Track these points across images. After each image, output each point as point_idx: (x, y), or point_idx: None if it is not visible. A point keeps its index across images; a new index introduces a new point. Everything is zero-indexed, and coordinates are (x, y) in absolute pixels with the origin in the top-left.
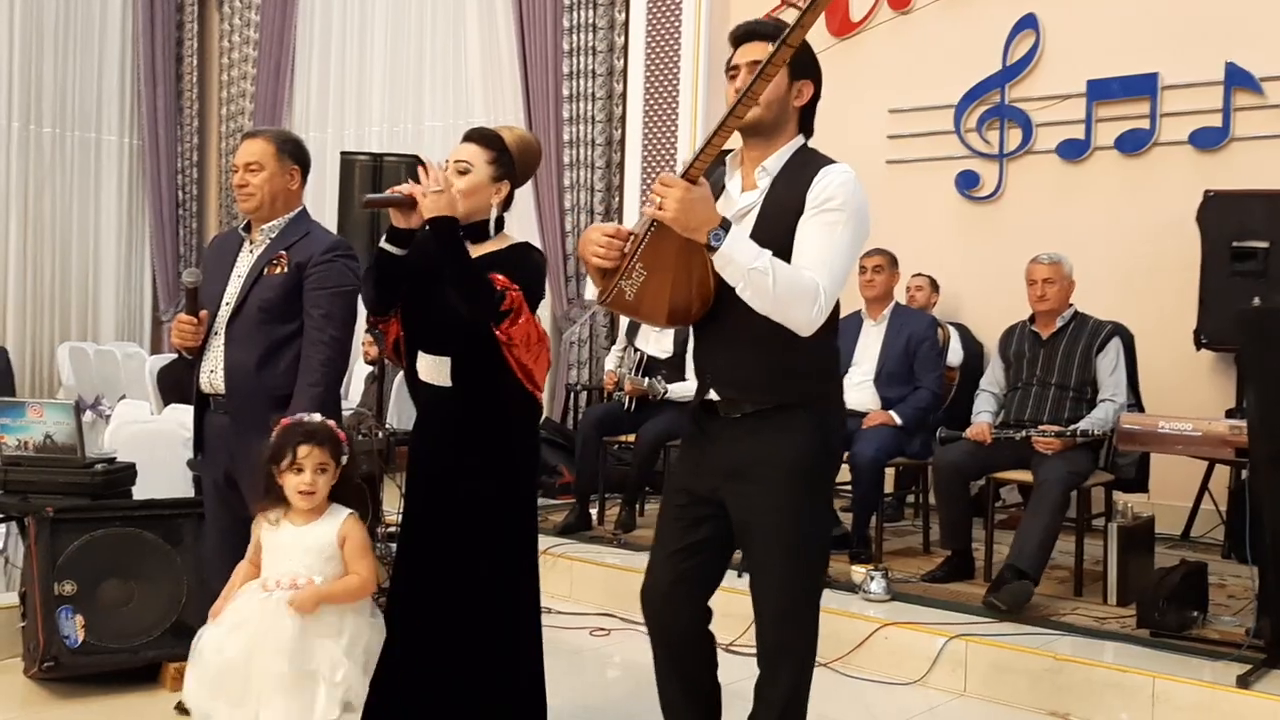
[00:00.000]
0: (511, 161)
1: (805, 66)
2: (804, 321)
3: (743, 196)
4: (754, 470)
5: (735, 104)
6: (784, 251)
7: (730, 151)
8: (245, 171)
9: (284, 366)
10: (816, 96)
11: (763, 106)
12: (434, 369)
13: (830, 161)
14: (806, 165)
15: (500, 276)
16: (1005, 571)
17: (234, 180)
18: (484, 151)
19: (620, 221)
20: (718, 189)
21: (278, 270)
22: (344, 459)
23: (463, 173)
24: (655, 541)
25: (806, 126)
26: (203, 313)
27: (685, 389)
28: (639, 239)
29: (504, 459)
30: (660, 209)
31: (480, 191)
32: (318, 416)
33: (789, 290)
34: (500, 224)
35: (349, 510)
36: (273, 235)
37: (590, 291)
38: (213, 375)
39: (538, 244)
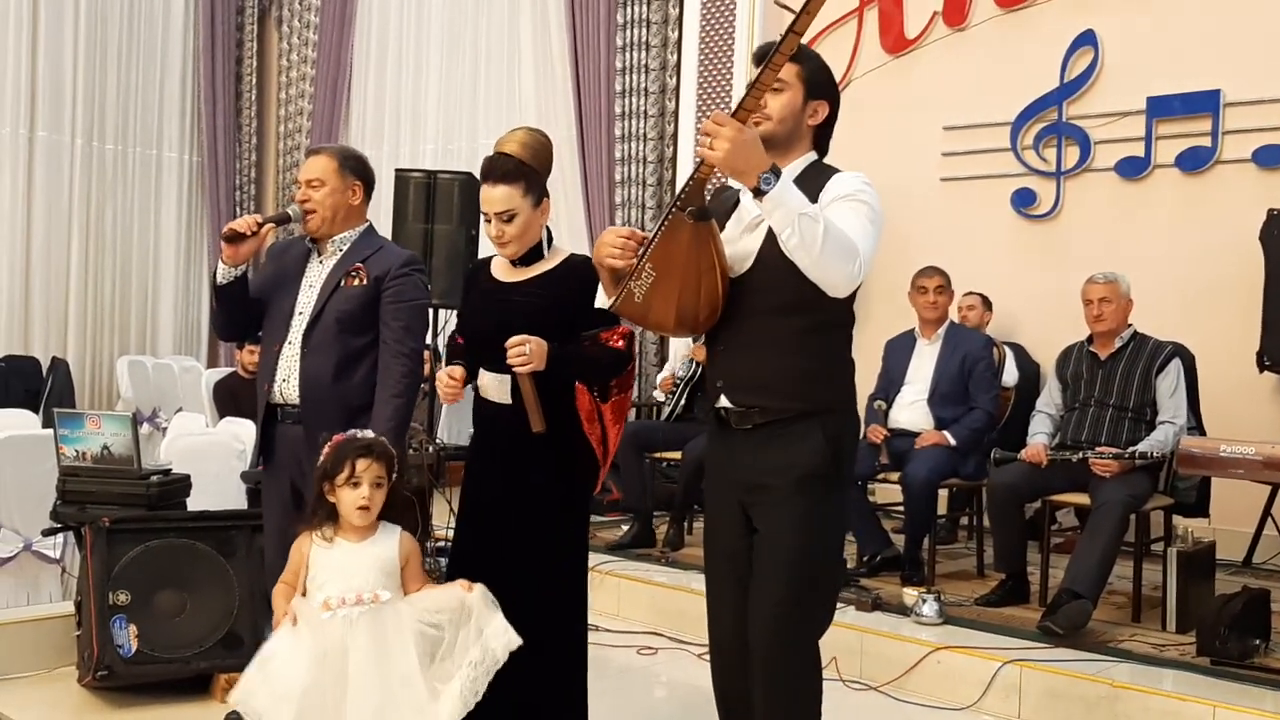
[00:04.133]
0: (539, 175)
1: (821, 87)
2: (843, 278)
3: (753, 209)
4: (769, 480)
5: (761, 72)
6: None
7: None
8: (308, 188)
9: (359, 378)
10: (833, 118)
11: (776, 120)
12: (497, 387)
13: (842, 171)
14: (819, 175)
15: (617, 337)
16: (1061, 595)
17: (297, 197)
18: (515, 188)
19: None
20: (732, 204)
21: (356, 282)
22: (394, 475)
23: (509, 220)
24: (708, 589)
25: (820, 145)
26: (269, 226)
27: None
28: (649, 240)
29: (559, 476)
30: (711, 149)
31: (532, 225)
32: (370, 432)
33: (836, 243)
34: (550, 236)
35: (399, 528)
36: (344, 248)
37: (600, 299)
38: (285, 385)
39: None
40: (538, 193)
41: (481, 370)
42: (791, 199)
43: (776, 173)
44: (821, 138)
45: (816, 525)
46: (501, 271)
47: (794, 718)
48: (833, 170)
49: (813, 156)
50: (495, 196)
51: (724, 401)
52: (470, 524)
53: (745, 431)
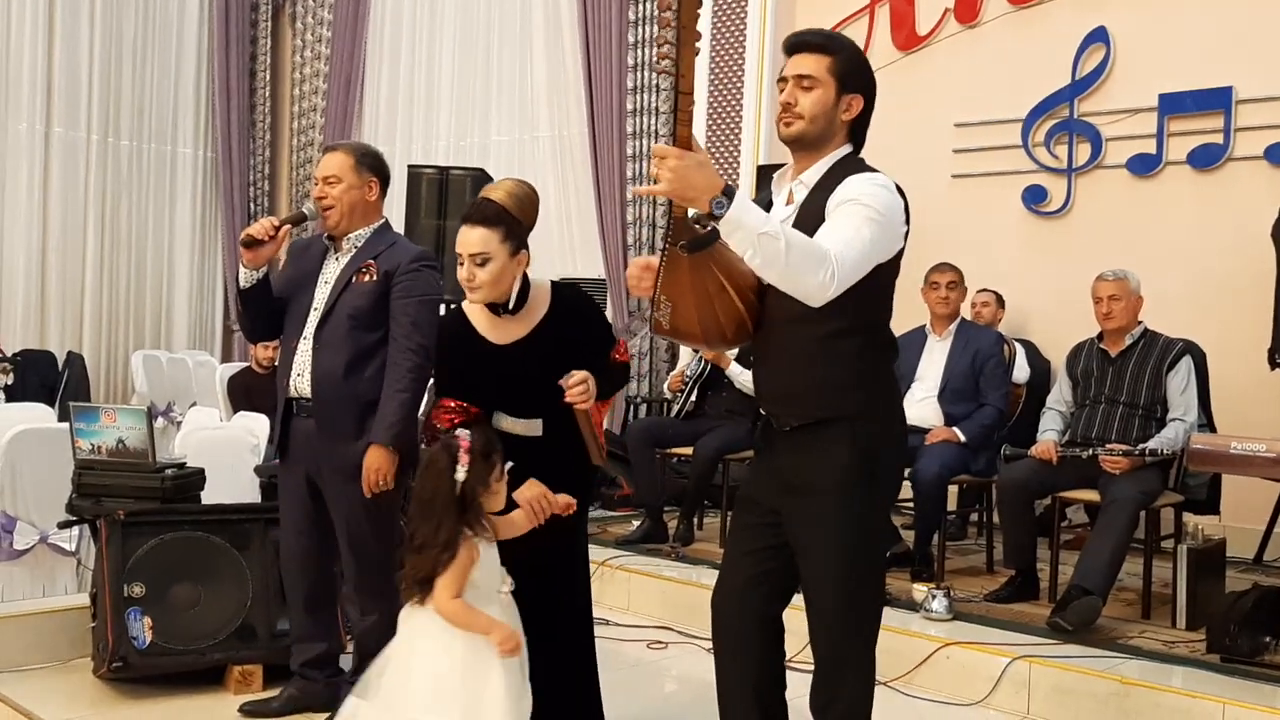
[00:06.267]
0: (520, 226)
1: (856, 80)
2: (814, 287)
3: (782, 210)
4: (801, 484)
5: (675, 109)
6: None
7: (782, 166)
8: (325, 184)
9: (370, 373)
10: (868, 110)
11: (807, 120)
12: (520, 426)
13: (866, 170)
14: (843, 172)
15: (621, 350)
16: (1071, 591)
17: (314, 193)
18: (494, 233)
19: None
20: (765, 208)
21: (367, 278)
22: None
23: (483, 264)
24: (726, 547)
25: (856, 139)
26: (286, 227)
27: (746, 376)
28: (657, 272)
29: (580, 485)
30: (656, 181)
31: (505, 273)
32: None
33: (801, 255)
34: (525, 288)
35: None
36: (359, 244)
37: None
38: (299, 379)
39: (599, 257)
40: (516, 242)
41: (497, 413)
42: (749, 219)
43: (730, 194)
44: (857, 131)
45: (848, 533)
46: (491, 331)
47: (854, 708)
48: (855, 168)
49: (845, 151)
50: (471, 239)
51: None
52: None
53: (785, 432)
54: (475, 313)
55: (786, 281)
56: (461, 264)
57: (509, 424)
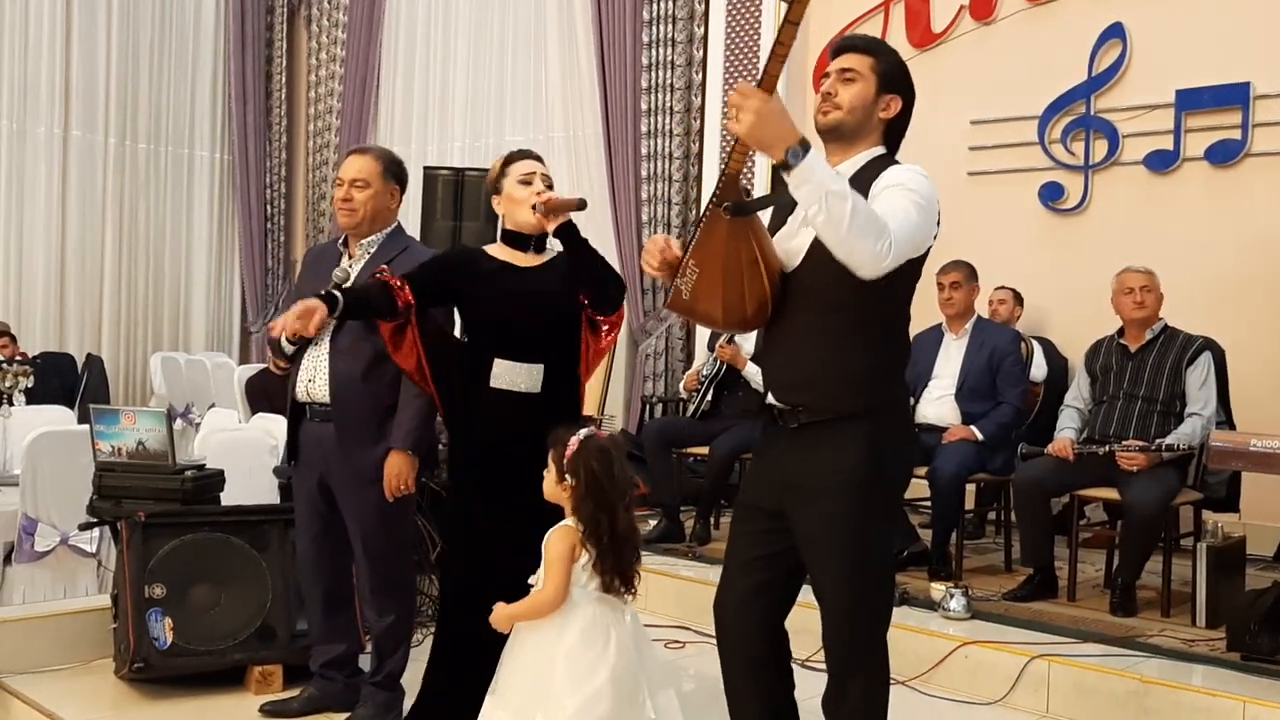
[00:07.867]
0: None
1: (895, 81)
2: (870, 256)
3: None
4: (808, 484)
5: (772, 54)
6: None
7: None
8: (351, 187)
9: (390, 377)
10: (906, 113)
11: (845, 110)
12: (520, 376)
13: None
14: (880, 168)
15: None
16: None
17: (338, 194)
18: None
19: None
20: (789, 206)
21: None
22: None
23: (550, 187)
24: (726, 555)
25: (891, 141)
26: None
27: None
28: (691, 237)
29: None
30: (736, 121)
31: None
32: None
33: (864, 220)
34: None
35: None
36: (372, 250)
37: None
38: (311, 385)
39: (614, 258)
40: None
41: (498, 361)
42: (820, 174)
43: (805, 146)
44: (893, 132)
45: (858, 533)
46: (510, 256)
47: (869, 706)
48: (892, 164)
49: (879, 151)
50: (540, 168)
51: (772, 399)
52: (484, 512)
53: (791, 430)
54: (495, 248)
55: (844, 246)
56: (528, 184)
57: (510, 376)
